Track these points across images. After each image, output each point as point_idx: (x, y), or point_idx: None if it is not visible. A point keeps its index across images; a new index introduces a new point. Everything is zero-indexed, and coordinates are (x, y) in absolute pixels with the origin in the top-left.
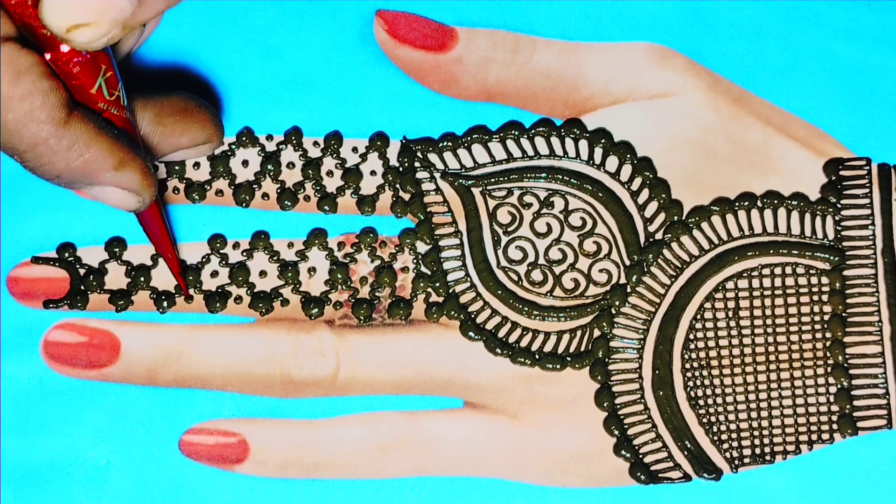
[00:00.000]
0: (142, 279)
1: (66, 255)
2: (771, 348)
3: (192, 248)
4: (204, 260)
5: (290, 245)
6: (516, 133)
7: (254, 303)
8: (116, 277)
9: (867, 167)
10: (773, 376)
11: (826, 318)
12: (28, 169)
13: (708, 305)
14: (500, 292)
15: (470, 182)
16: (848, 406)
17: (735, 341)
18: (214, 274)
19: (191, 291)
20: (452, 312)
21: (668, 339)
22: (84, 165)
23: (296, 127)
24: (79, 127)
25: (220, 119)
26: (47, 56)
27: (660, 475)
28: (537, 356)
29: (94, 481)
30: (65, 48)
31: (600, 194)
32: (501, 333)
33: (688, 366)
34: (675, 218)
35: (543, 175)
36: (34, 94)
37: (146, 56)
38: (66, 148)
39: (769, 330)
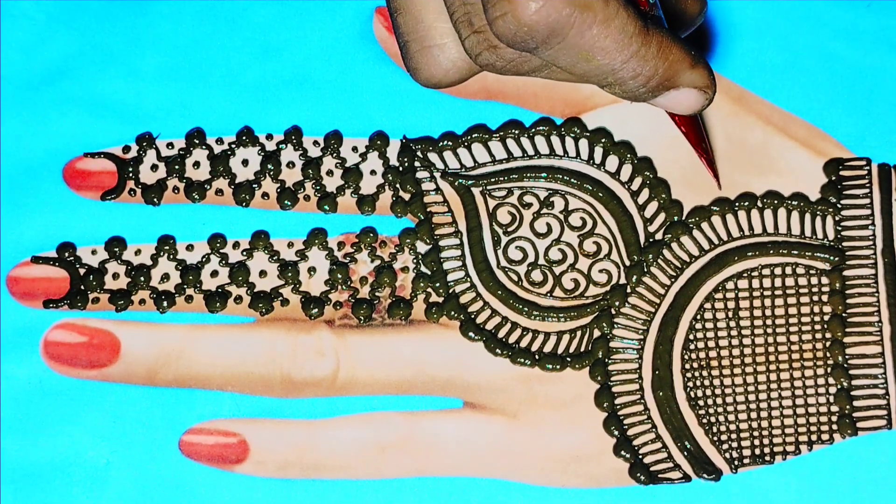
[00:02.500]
0: (141, 279)
1: (66, 255)
2: (771, 349)
3: (192, 248)
4: (204, 260)
5: (290, 245)
6: (516, 132)
7: (254, 303)
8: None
9: (867, 167)
10: (773, 377)
11: (826, 318)
12: (615, 87)
13: (708, 306)
14: (500, 292)
15: (470, 182)
16: (848, 406)
17: (735, 342)
18: (214, 274)
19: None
20: (452, 313)
21: (668, 340)
22: (669, 67)
23: (295, 126)
24: (657, 32)
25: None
26: None
27: (659, 476)
28: (537, 356)
29: (94, 481)
30: None
31: (600, 194)
32: (501, 334)
33: (688, 366)
34: (675, 218)
35: (543, 175)
36: (619, 9)
37: (149, 55)
38: (654, 54)
39: (769, 330)
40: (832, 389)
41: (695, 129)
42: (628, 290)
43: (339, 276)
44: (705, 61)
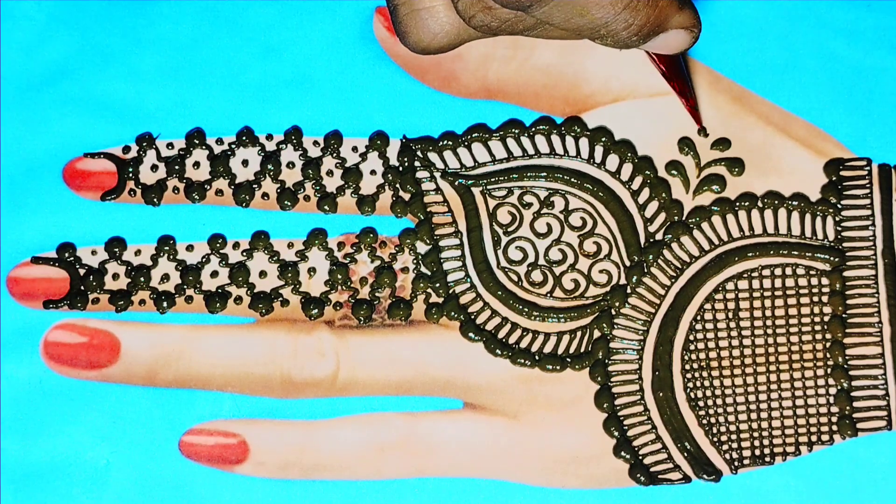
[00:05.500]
0: (141, 279)
1: (66, 255)
2: (771, 349)
3: (192, 249)
4: (204, 260)
5: (290, 245)
6: (516, 131)
7: (254, 303)
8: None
9: (867, 168)
10: (773, 377)
11: (826, 319)
12: (607, 39)
13: (708, 306)
14: (500, 293)
15: (470, 182)
16: (848, 407)
17: (735, 342)
18: (214, 274)
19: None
20: (452, 313)
21: (668, 341)
22: (659, 14)
23: (295, 126)
24: None
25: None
26: None
27: (659, 476)
28: (537, 357)
29: (94, 482)
30: None
31: (601, 194)
32: (501, 334)
33: (688, 367)
34: (676, 218)
35: (544, 174)
36: None
37: (149, 55)
38: (645, 4)
39: (769, 331)
40: (832, 390)
41: (678, 71)
42: (628, 291)
43: (339, 276)
44: (690, 2)
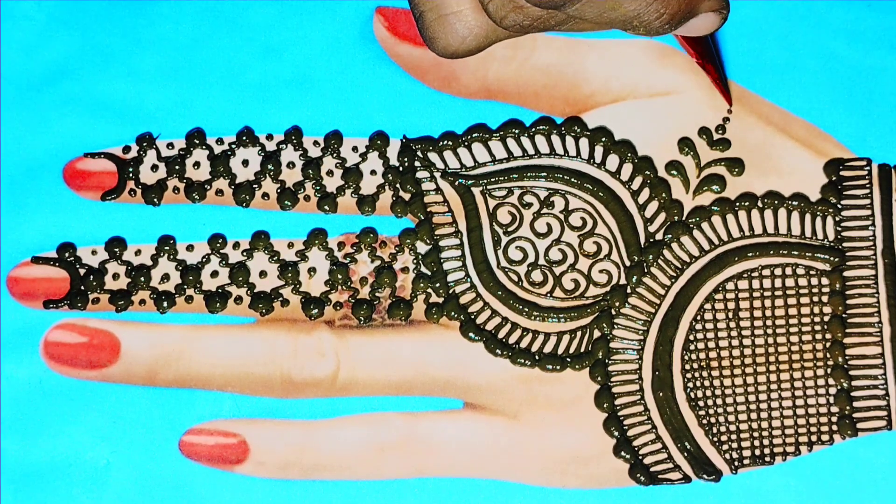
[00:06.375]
0: (142, 279)
1: (66, 255)
2: (771, 349)
3: (193, 248)
4: (204, 260)
5: (290, 245)
6: (516, 131)
7: (254, 303)
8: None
9: (867, 168)
10: (773, 377)
11: (826, 319)
12: (639, 29)
13: (708, 306)
14: (500, 293)
15: (470, 182)
16: (848, 407)
17: (735, 342)
18: (214, 274)
19: (189, 291)
20: (452, 313)
21: (668, 340)
22: (689, 2)
23: (296, 126)
24: None
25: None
26: None
27: (659, 476)
28: (537, 357)
29: (94, 482)
30: None
31: (601, 194)
32: (501, 334)
33: (688, 367)
34: (676, 218)
35: (544, 174)
36: None
37: (149, 55)
38: None
39: (769, 331)
40: (832, 390)
41: (706, 51)
42: (628, 291)
43: (340, 276)
44: None
